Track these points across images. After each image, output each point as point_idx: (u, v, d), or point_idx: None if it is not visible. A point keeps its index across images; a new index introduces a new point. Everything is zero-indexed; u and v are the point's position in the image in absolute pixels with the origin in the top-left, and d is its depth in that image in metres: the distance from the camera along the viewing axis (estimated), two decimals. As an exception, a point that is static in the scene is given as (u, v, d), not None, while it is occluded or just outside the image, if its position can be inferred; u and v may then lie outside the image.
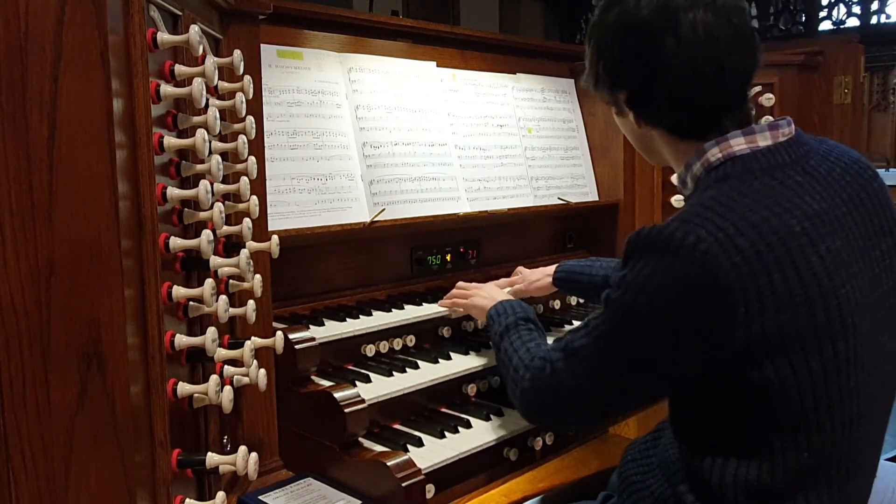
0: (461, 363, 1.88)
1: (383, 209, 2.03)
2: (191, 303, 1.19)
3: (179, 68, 1.16)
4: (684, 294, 1.07)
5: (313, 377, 1.71)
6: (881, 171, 1.32)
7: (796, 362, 1.07)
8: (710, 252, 1.04)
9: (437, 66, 2.33)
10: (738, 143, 1.17)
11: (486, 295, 1.85)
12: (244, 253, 1.30)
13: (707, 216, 1.08)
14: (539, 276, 2.08)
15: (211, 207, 1.20)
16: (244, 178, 1.41)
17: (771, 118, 1.25)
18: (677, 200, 2.53)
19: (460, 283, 2.01)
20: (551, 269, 2.06)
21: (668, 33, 1.16)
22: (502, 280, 2.15)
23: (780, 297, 1.05)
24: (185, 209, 1.21)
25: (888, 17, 8.13)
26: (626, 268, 1.14)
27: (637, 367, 1.16)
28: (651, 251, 1.09)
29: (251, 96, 1.42)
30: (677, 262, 1.06)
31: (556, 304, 2.32)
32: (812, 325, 1.07)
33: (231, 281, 1.47)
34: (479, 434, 1.74)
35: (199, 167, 1.22)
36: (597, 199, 2.73)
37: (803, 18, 8.31)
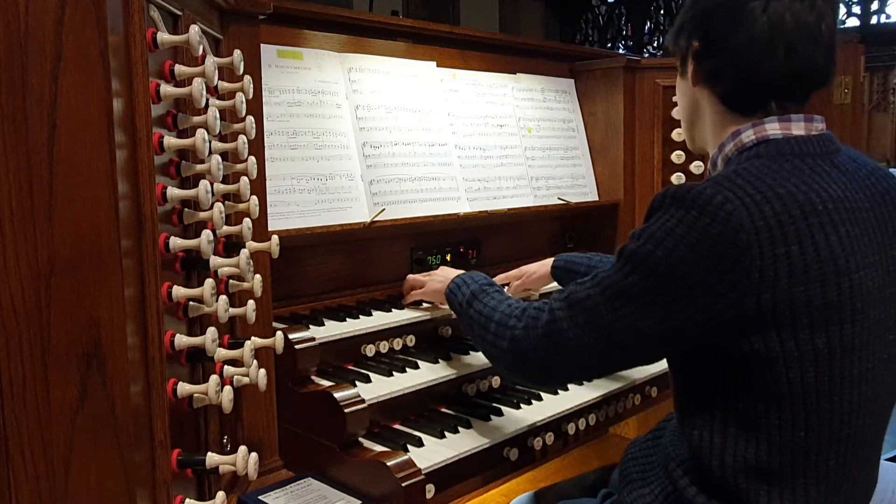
0: (461, 363, 1.87)
1: (383, 209, 2.03)
2: (191, 303, 1.19)
3: (179, 68, 1.16)
4: (704, 251, 1.08)
5: (313, 377, 1.71)
6: (881, 172, 1.34)
7: (801, 337, 1.09)
8: (736, 213, 1.07)
9: (437, 66, 2.33)
10: (773, 128, 1.22)
11: (441, 277, 1.84)
12: (244, 253, 1.30)
13: (737, 182, 1.11)
14: (537, 268, 2.08)
15: (211, 207, 1.20)
16: (244, 178, 1.41)
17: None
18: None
19: (410, 276, 1.99)
20: (550, 260, 2.06)
21: None
22: (502, 275, 2.15)
23: (795, 270, 1.08)
24: (185, 209, 1.21)
25: (888, 17, 8.14)
26: (648, 221, 1.16)
27: (642, 322, 1.15)
28: (677, 205, 1.12)
29: (251, 96, 1.42)
30: (702, 218, 1.09)
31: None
32: (823, 303, 1.09)
33: (231, 281, 1.47)
34: (479, 434, 1.74)
35: (199, 167, 1.22)
36: (597, 199, 2.73)
37: (803, 18, 8.30)
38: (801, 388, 1.11)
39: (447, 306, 1.74)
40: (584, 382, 1.99)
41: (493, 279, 2.12)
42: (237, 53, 1.37)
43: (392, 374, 1.77)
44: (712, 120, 1.32)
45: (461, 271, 1.76)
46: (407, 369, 1.80)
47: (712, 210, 1.08)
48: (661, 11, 9.50)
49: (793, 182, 1.12)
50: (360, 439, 1.64)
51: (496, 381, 1.95)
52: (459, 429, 1.75)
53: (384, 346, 1.86)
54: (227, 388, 1.17)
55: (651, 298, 1.14)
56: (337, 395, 1.58)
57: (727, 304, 1.09)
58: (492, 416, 1.81)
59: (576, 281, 1.27)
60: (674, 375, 1.28)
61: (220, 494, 1.13)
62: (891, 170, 1.29)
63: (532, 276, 2.08)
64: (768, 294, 1.07)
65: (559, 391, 1.95)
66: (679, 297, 1.12)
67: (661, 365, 1.30)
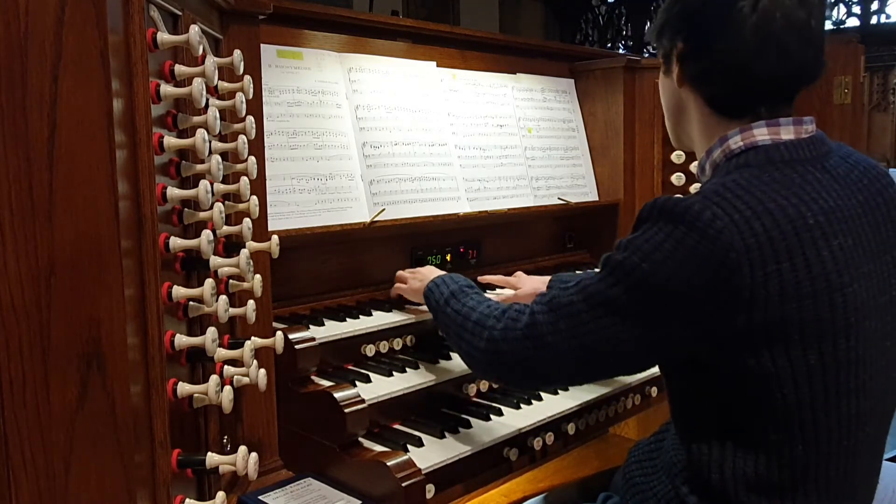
0: (461, 363, 1.87)
1: (383, 209, 2.03)
2: (191, 303, 1.20)
3: (179, 68, 1.16)
4: (693, 269, 1.06)
5: (313, 377, 1.71)
6: (882, 172, 1.33)
7: (794, 355, 1.07)
8: (726, 231, 1.05)
9: (437, 66, 2.33)
10: (761, 133, 1.18)
11: (422, 276, 1.82)
12: (244, 253, 1.30)
13: (726, 196, 1.08)
14: (533, 281, 2.05)
15: (211, 207, 1.20)
16: (244, 178, 1.41)
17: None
18: (677, 200, 2.53)
19: (399, 273, 1.98)
20: (546, 278, 2.03)
21: None
22: (499, 277, 2.15)
23: (786, 287, 1.05)
24: (185, 209, 1.21)
25: (888, 17, 8.14)
26: (636, 231, 1.14)
27: (624, 332, 1.14)
28: (666, 219, 1.10)
29: (251, 96, 1.42)
30: (691, 235, 1.06)
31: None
32: (815, 319, 1.07)
33: (231, 281, 1.47)
34: (479, 434, 1.74)
35: (199, 167, 1.22)
36: (597, 199, 2.73)
37: (803, 18, 8.29)
38: (796, 404, 1.09)
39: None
40: (561, 390, 1.95)
41: (490, 280, 2.13)
42: (237, 53, 1.37)
43: (392, 374, 1.77)
44: (699, 122, 1.28)
45: (443, 272, 1.75)
46: (407, 369, 1.80)
47: (701, 227, 1.05)
48: (662, 11, 9.50)
49: (783, 195, 1.09)
50: (360, 439, 1.64)
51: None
52: (459, 429, 1.75)
53: (384, 346, 1.86)
54: (227, 388, 1.17)
55: (635, 310, 1.12)
56: (337, 395, 1.58)
57: (716, 321, 1.07)
58: (492, 416, 1.81)
59: (559, 286, 1.25)
60: (669, 390, 1.27)
61: (220, 494, 1.13)
62: (891, 170, 1.27)
63: (526, 291, 2.02)
64: (759, 312, 1.05)
65: (559, 391, 1.95)
66: (663, 312, 1.10)
67: (661, 365, 1.30)
